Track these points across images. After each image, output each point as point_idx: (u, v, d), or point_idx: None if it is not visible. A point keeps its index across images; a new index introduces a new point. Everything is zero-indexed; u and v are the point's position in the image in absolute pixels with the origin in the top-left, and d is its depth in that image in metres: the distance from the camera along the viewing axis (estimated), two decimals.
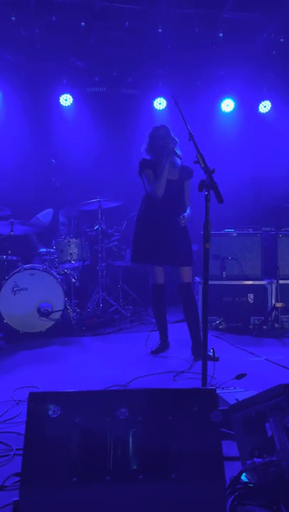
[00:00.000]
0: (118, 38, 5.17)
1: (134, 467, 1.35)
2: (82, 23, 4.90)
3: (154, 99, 5.83)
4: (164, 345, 3.63)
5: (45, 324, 4.03)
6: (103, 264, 4.85)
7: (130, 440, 1.39)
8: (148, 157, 3.42)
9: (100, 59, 5.47)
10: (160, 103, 5.83)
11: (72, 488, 1.32)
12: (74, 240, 4.44)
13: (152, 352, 3.53)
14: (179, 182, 3.36)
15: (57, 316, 4.06)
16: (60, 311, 4.08)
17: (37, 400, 1.43)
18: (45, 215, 5.02)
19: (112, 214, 5.34)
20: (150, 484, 1.33)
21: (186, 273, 3.42)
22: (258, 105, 5.94)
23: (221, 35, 5.19)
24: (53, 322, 4.04)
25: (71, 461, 1.36)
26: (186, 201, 3.41)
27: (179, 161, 3.35)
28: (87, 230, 5.07)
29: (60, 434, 1.39)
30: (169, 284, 5.73)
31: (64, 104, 5.67)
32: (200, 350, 3.20)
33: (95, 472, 1.34)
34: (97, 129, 5.86)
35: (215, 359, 3.12)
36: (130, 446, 1.38)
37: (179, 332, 4.42)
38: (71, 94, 5.65)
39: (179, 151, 3.34)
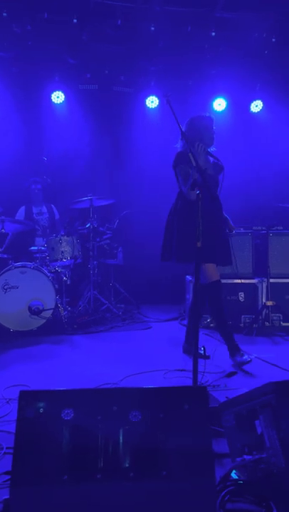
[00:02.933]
0: (111, 36, 5.14)
1: (125, 465, 1.36)
2: (75, 20, 4.87)
3: (146, 97, 5.82)
4: (247, 355, 3.12)
5: (36, 322, 4.01)
6: (95, 263, 4.84)
7: (121, 438, 1.39)
8: (181, 148, 3.11)
9: (92, 56, 5.44)
10: (152, 101, 5.82)
11: (62, 485, 1.33)
12: (65, 237, 4.43)
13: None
14: (214, 177, 3.18)
15: (48, 314, 4.05)
16: (51, 309, 4.06)
17: (27, 399, 1.43)
18: (19, 214, 5.03)
19: (104, 212, 5.33)
20: (141, 482, 1.34)
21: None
22: (249, 105, 5.96)
23: (213, 34, 5.18)
24: (44, 320, 4.02)
25: (62, 459, 1.36)
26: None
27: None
28: (79, 228, 5.06)
29: (50, 432, 1.39)
30: (163, 281, 5.76)
31: (56, 102, 5.64)
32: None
33: (85, 470, 1.34)
34: (89, 127, 5.83)
35: (206, 357, 3.13)
36: (121, 443, 1.39)
37: (171, 330, 4.43)
38: (63, 92, 5.62)
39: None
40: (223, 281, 4.42)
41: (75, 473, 1.34)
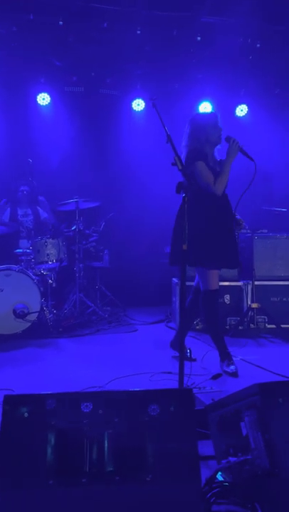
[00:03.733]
0: (97, 38, 5.14)
1: (111, 468, 1.35)
2: (61, 22, 4.86)
3: (132, 100, 5.84)
4: (234, 367, 3.05)
5: (21, 326, 3.97)
6: (81, 265, 4.82)
7: (107, 441, 1.39)
8: (190, 145, 3.02)
9: (78, 59, 5.44)
10: (138, 104, 5.83)
11: (48, 490, 1.31)
12: (51, 240, 4.40)
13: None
14: None
15: (33, 317, 4.01)
16: (36, 312, 4.03)
17: (12, 403, 1.42)
18: (5, 216, 4.98)
19: (90, 214, 5.32)
20: (127, 485, 1.33)
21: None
22: (235, 109, 6.02)
23: (199, 38, 5.23)
24: (29, 323, 3.99)
25: (47, 464, 1.35)
26: None
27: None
28: (65, 230, 5.03)
29: (35, 436, 1.37)
30: (149, 283, 5.77)
31: (41, 103, 5.61)
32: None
33: (71, 474, 1.33)
34: (75, 129, 5.82)
35: (192, 360, 3.15)
36: (107, 447, 1.38)
37: (157, 333, 4.44)
38: (49, 94, 5.60)
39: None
40: None
41: (60, 477, 1.33)
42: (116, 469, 1.35)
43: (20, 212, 5.04)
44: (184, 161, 2.97)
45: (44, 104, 5.62)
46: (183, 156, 3.03)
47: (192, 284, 4.39)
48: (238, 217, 3.19)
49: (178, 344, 3.12)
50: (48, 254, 4.35)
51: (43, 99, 5.59)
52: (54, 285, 4.54)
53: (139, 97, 5.81)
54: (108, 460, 1.37)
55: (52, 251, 4.38)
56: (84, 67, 5.59)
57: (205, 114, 3.10)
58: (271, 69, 5.73)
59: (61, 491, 1.31)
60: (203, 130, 3.00)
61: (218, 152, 3.13)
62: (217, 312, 3.13)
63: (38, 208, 5.11)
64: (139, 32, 5.09)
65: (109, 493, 1.33)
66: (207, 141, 3.01)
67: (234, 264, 3.13)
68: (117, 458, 1.37)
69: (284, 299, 4.45)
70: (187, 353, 3.16)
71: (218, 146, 3.11)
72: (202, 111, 3.15)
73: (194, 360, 3.18)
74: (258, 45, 5.38)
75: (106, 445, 1.38)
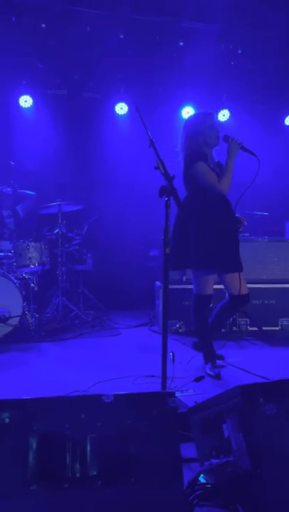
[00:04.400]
0: (79, 42, 5.14)
1: (93, 473, 1.35)
2: (43, 25, 4.85)
3: (115, 103, 5.84)
4: (217, 370, 3.08)
5: (2, 330, 3.92)
6: (63, 269, 4.78)
7: (89, 446, 1.38)
8: (188, 147, 2.98)
9: (60, 61, 5.42)
10: (122, 108, 5.85)
11: (30, 496, 1.30)
12: (33, 243, 4.36)
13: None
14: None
15: (15, 321, 3.97)
16: (18, 316, 3.98)
17: None
18: None
19: (73, 218, 5.29)
20: (109, 489, 1.33)
21: (245, 282, 3.02)
22: (217, 114, 6.09)
23: (181, 43, 5.29)
24: (11, 328, 3.94)
25: (29, 469, 1.33)
26: None
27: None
28: (47, 233, 4.99)
29: (17, 441, 1.36)
30: (132, 287, 5.76)
31: (24, 106, 5.57)
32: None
33: (53, 479, 1.32)
34: (58, 132, 5.79)
35: (173, 361, 3.15)
36: (89, 452, 1.38)
37: (141, 336, 4.44)
38: (31, 96, 5.56)
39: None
40: (191, 286, 4.50)
41: (42, 483, 1.32)
42: (99, 473, 1.34)
43: (5, 213, 4.98)
44: (183, 164, 2.99)
45: (26, 106, 5.58)
46: (181, 159, 3.02)
47: (175, 287, 4.41)
48: (238, 215, 3.15)
49: (201, 345, 3.18)
50: (30, 258, 4.31)
51: (25, 101, 5.55)
52: (36, 289, 4.50)
53: (122, 100, 5.82)
54: (91, 464, 1.36)
55: (34, 254, 4.34)
56: (67, 70, 5.58)
57: (200, 115, 3.03)
58: (252, 75, 5.83)
59: (43, 496, 1.30)
60: (200, 132, 2.96)
61: (216, 153, 3.10)
62: (207, 317, 3.15)
63: (17, 208, 5.05)
64: (122, 36, 5.12)
65: (92, 498, 1.32)
66: (205, 142, 2.97)
67: (233, 268, 3.00)
68: (100, 462, 1.36)
69: (265, 302, 4.50)
70: (170, 356, 3.17)
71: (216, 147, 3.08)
72: (198, 111, 3.09)
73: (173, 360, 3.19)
74: (240, 51, 5.47)
75: (89, 449, 1.38)
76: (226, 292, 3.19)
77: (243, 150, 2.96)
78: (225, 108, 6.06)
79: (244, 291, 3.01)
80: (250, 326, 4.42)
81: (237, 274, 2.98)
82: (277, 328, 4.48)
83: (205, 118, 3.00)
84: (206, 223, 2.95)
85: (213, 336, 3.25)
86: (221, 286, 3.29)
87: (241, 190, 2.93)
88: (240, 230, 3.15)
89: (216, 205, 2.97)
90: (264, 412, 1.44)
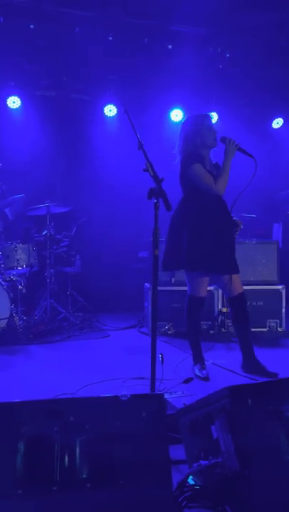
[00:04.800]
0: (68, 43, 5.14)
1: (82, 476, 1.34)
2: (31, 26, 4.83)
3: (104, 105, 5.84)
4: (206, 371, 3.08)
5: None
6: (52, 271, 4.76)
7: (78, 448, 1.37)
8: (186, 149, 2.99)
9: (49, 63, 5.41)
10: (110, 110, 5.85)
11: (17, 500, 1.29)
12: (21, 245, 4.33)
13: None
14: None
15: (2, 324, 3.93)
16: (5, 318, 3.95)
17: None
18: None
19: (62, 219, 5.27)
20: (98, 492, 1.32)
21: (240, 281, 3.08)
22: None
23: (170, 46, 5.31)
24: None
25: (16, 473, 1.32)
26: None
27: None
28: (35, 235, 4.96)
29: (4, 445, 1.35)
30: (121, 289, 5.75)
31: (12, 107, 5.53)
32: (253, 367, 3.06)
33: (41, 483, 1.31)
34: (47, 133, 5.77)
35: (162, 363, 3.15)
36: (78, 454, 1.37)
37: (129, 338, 4.43)
38: (19, 97, 5.53)
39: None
40: (181, 288, 4.52)
41: (30, 486, 1.31)
42: (87, 476, 1.34)
43: None
44: (179, 166, 3.00)
45: (14, 107, 5.54)
46: (178, 162, 3.03)
47: (164, 288, 4.42)
48: (235, 218, 3.15)
49: (250, 365, 3.09)
50: (18, 260, 4.28)
51: (14, 102, 5.51)
52: (24, 291, 4.46)
53: (111, 102, 5.82)
54: (79, 467, 1.35)
55: (22, 256, 4.31)
56: (55, 72, 5.56)
57: (198, 117, 3.02)
58: (240, 78, 5.88)
59: (31, 500, 1.29)
60: (197, 133, 2.96)
61: (213, 155, 3.11)
62: (199, 319, 3.18)
63: (6, 210, 5.01)
64: (111, 38, 5.12)
65: (80, 501, 1.31)
66: (203, 144, 2.97)
67: (229, 269, 3.01)
68: (89, 465, 1.36)
69: (253, 304, 4.54)
70: (159, 357, 3.17)
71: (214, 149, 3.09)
72: (196, 113, 3.10)
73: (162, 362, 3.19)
74: (228, 55, 5.52)
75: (77, 452, 1.37)
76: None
77: (240, 151, 2.99)
78: (213, 111, 6.10)
79: (240, 290, 3.07)
80: None
81: (234, 275, 3.02)
82: (265, 330, 4.51)
83: (203, 119, 3.01)
84: (202, 225, 2.95)
85: (199, 338, 3.24)
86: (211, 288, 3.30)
87: (237, 192, 2.95)
88: (237, 232, 3.15)
89: (212, 207, 2.98)
90: (252, 412, 1.45)
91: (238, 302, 3.11)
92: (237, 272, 3.04)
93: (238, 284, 3.07)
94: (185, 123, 3.08)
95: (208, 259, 2.93)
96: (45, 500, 1.30)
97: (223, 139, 2.98)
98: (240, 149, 2.98)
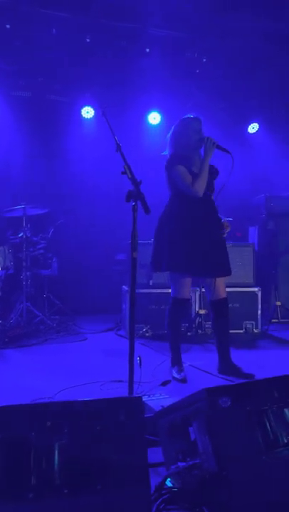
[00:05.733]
0: (45, 44, 5.09)
1: (59, 481, 1.32)
2: (8, 26, 4.76)
3: (81, 107, 5.82)
4: (184, 373, 3.07)
5: None
6: (28, 273, 4.69)
7: (56, 454, 1.35)
8: (171, 150, 3.03)
9: (25, 63, 5.34)
10: (88, 112, 5.83)
11: None
12: None
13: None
14: (210, 180, 3.06)
15: None
16: None
17: None
18: None
19: (38, 221, 5.21)
20: (75, 498, 1.31)
21: (224, 285, 3.11)
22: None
23: (147, 50, 5.33)
24: None
25: None
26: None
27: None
28: (11, 237, 4.88)
29: None
30: (99, 291, 5.72)
31: None
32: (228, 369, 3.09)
33: (16, 489, 1.29)
34: (23, 134, 5.70)
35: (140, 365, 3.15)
36: (55, 460, 1.35)
37: (107, 341, 4.41)
38: None
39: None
40: (159, 290, 4.54)
41: (4, 494, 1.28)
42: (65, 482, 1.32)
43: None
44: (164, 168, 3.02)
45: None
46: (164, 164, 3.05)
47: (142, 291, 4.42)
48: (223, 220, 3.14)
49: (226, 367, 3.10)
50: None
51: None
52: None
53: (88, 104, 5.81)
54: (57, 473, 1.33)
55: None
56: (31, 72, 5.50)
57: (185, 119, 3.07)
58: (216, 83, 5.96)
59: (5, 507, 1.26)
60: (183, 134, 3.01)
61: (211, 161, 3.11)
62: (180, 321, 3.18)
63: None
64: (88, 40, 5.10)
65: (57, 507, 1.29)
66: (188, 145, 3.00)
67: (208, 272, 3.02)
68: (66, 470, 1.34)
69: (230, 305, 4.58)
70: (137, 360, 3.16)
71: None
72: (186, 116, 3.16)
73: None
74: (204, 60, 5.58)
75: (55, 457, 1.35)
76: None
77: (218, 149, 3.00)
78: (190, 115, 6.16)
79: (223, 295, 3.10)
80: None
81: (218, 279, 3.05)
82: (241, 331, 4.58)
83: (189, 121, 3.05)
84: (184, 225, 2.96)
85: (179, 340, 3.26)
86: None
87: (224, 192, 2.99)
88: (224, 235, 3.13)
89: (195, 208, 2.99)
90: (229, 413, 1.46)
91: (219, 306, 3.13)
92: (219, 275, 3.05)
93: (222, 288, 3.09)
94: (175, 125, 3.13)
95: (189, 260, 2.92)
96: (22, 507, 1.27)
97: (201, 139, 3.01)
98: (218, 147, 2.99)
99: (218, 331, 3.16)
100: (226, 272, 3.08)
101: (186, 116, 3.11)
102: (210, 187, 3.08)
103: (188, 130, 3.01)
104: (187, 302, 3.15)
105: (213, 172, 3.11)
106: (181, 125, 3.05)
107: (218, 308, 3.13)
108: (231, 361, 3.15)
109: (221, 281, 3.08)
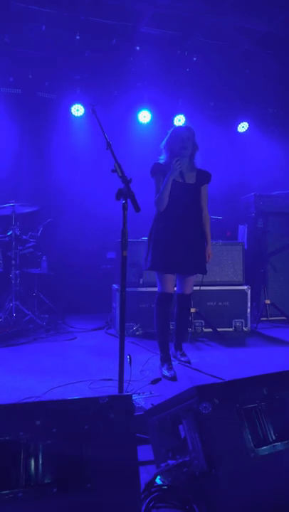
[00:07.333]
0: (35, 41, 5.05)
1: (49, 480, 1.31)
2: None
3: (71, 104, 5.79)
4: (173, 371, 3.12)
5: None
6: (17, 272, 4.66)
7: (45, 453, 1.35)
8: (167, 155, 3.21)
9: (15, 60, 5.30)
10: (78, 109, 5.80)
11: None
12: None
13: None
14: (196, 186, 3.24)
15: None
16: None
17: None
18: None
19: (28, 220, 5.17)
20: (65, 497, 1.30)
21: (192, 283, 3.39)
22: (173, 118, 6.18)
23: (138, 48, 5.32)
24: None
25: None
26: (204, 206, 3.30)
27: (196, 164, 3.25)
28: (0, 235, 4.84)
29: None
30: (88, 290, 5.70)
31: None
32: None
33: (5, 489, 1.28)
34: (12, 132, 5.65)
35: (130, 364, 3.15)
36: (45, 459, 1.34)
37: (97, 340, 4.40)
38: None
39: (196, 157, 3.25)
40: (149, 289, 4.54)
41: None
42: (54, 480, 1.31)
43: None
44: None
45: None
46: None
47: (132, 289, 4.42)
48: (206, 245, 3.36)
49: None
50: None
51: None
52: None
53: (78, 102, 5.78)
54: (46, 471, 1.33)
55: None
56: (21, 69, 5.46)
57: (177, 127, 3.29)
58: (206, 82, 5.97)
59: None
60: (170, 142, 3.19)
61: (201, 160, 3.28)
62: (167, 318, 3.28)
63: None
64: (78, 37, 5.08)
65: (47, 506, 1.29)
66: (172, 152, 3.17)
67: (177, 269, 3.25)
68: (56, 469, 1.33)
69: (220, 303, 4.62)
70: (127, 358, 3.16)
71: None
72: (176, 126, 3.39)
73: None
74: (194, 59, 5.59)
75: (44, 456, 1.34)
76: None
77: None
78: (181, 113, 6.17)
79: (188, 292, 3.39)
80: (205, 328, 4.52)
81: (188, 277, 3.32)
82: (231, 329, 4.60)
83: (177, 129, 3.22)
84: (159, 227, 3.18)
85: (168, 338, 3.30)
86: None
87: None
88: (207, 261, 3.36)
89: (170, 215, 3.17)
90: (219, 411, 1.46)
91: (184, 301, 3.43)
92: (194, 273, 3.31)
93: (189, 286, 3.38)
94: (171, 130, 3.29)
95: (163, 259, 3.14)
96: (11, 507, 1.26)
97: (179, 154, 3.15)
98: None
99: (180, 323, 3.48)
100: (201, 270, 3.31)
101: (183, 125, 3.32)
102: (195, 192, 3.24)
103: (173, 138, 3.18)
104: (171, 297, 3.26)
105: (203, 179, 3.26)
106: (170, 133, 3.24)
107: (184, 302, 3.43)
108: (182, 348, 3.53)
109: (190, 280, 3.35)
